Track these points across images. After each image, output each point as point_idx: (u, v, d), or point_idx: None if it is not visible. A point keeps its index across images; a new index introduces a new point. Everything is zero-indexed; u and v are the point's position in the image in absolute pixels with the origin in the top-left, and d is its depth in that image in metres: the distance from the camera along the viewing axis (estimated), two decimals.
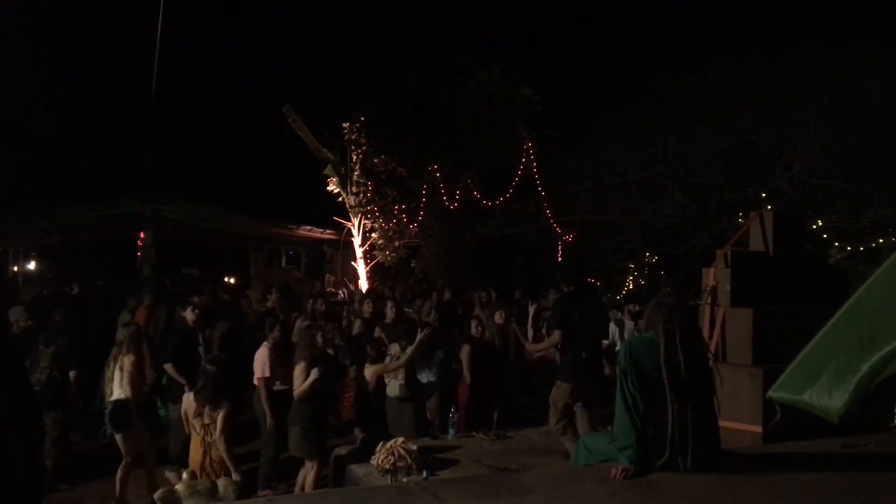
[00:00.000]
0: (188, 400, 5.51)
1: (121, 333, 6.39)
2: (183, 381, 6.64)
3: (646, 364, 3.78)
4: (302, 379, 5.88)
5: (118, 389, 6.09)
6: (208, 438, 5.31)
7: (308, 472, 5.87)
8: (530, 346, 7.77)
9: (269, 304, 9.71)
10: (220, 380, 5.42)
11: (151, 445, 6.48)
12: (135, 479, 6.23)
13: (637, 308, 8.54)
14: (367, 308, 8.91)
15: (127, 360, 6.12)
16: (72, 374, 6.65)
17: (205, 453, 5.30)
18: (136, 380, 6.13)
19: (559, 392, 5.77)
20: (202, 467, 5.28)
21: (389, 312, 8.20)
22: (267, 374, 6.53)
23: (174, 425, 6.82)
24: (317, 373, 5.86)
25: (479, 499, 3.49)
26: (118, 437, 6.09)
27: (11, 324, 6.55)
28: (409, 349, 6.63)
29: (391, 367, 6.64)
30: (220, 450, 5.28)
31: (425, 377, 7.22)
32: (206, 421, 5.33)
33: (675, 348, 3.77)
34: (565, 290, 6.11)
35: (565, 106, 17.50)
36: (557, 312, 6.02)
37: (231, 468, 5.29)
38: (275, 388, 6.68)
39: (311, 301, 9.50)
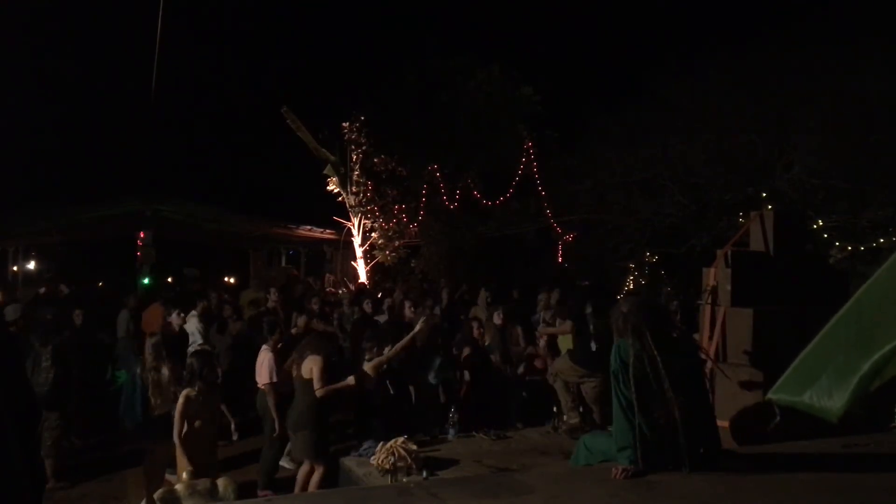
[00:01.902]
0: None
1: (149, 343, 6.35)
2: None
3: (638, 367, 3.79)
4: (319, 376, 5.76)
5: (159, 401, 6.07)
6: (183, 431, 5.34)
7: (314, 475, 5.83)
8: (542, 329, 7.79)
9: (269, 304, 9.70)
10: (200, 368, 5.44)
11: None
12: (134, 479, 6.22)
13: None
14: (366, 308, 8.91)
15: (165, 372, 6.08)
16: (72, 371, 6.63)
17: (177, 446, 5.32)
18: (175, 390, 6.11)
19: (564, 363, 6.13)
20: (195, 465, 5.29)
21: (408, 312, 8.21)
22: (274, 379, 6.50)
23: None
24: (353, 380, 5.92)
25: (479, 499, 3.49)
26: (157, 447, 6.04)
27: (10, 322, 6.54)
28: (402, 342, 6.63)
29: (384, 359, 6.64)
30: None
31: (432, 378, 7.26)
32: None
33: (650, 350, 3.79)
34: (583, 284, 6.30)
35: (565, 106, 17.49)
36: (574, 304, 6.36)
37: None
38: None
39: (312, 300, 9.51)
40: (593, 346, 6.01)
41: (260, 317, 9.08)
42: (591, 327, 6.04)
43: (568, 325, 6.35)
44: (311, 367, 5.81)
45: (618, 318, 4.04)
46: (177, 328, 7.72)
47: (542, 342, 8.05)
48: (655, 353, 3.78)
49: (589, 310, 6.08)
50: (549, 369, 6.35)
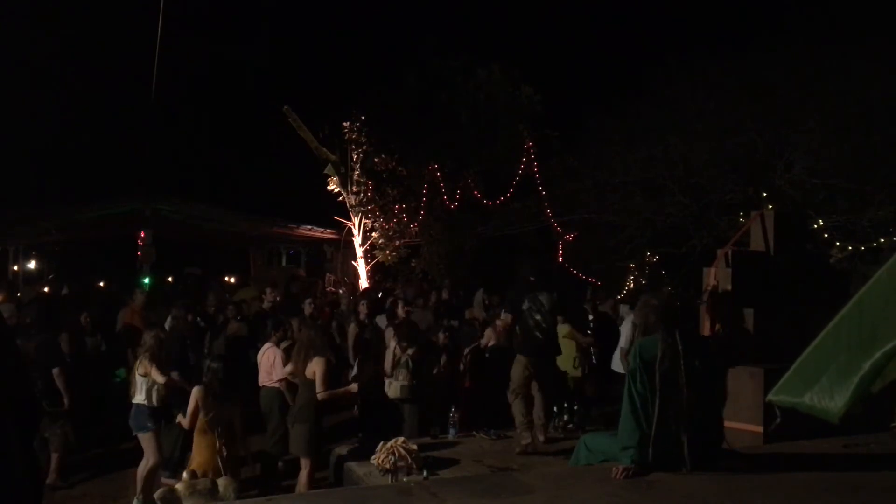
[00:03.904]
0: (198, 393, 5.50)
1: (146, 338, 6.36)
2: (187, 387, 6.61)
3: (660, 366, 3.75)
4: (322, 377, 5.83)
5: (139, 392, 6.11)
6: (219, 430, 5.29)
7: (303, 470, 5.85)
8: (489, 332, 7.85)
9: (264, 304, 9.67)
10: (227, 376, 5.43)
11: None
12: (132, 478, 6.21)
13: None
14: (362, 309, 8.89)
15: (145, 364, 6.12)
16: (55, 370, 6.58)
17: (217, 451, 5.27)
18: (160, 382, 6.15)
19: (516, 365, 6.28)
20: (215, 466, 5.24)
21: (401, 312, 8.21)
22: (289, 371, 6.48)
23: (172, 430, 6.80)
24: (356, 388, 6.11)
25: (479, 499, 3.49)
26: (142, 437, 6.09)
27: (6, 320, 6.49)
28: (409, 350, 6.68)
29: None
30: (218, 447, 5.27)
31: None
32: (224, 417, 5.33)
33: (676, 347, 3.76)
34: (527, 280, 6.53)
35: (565, 106, 17.48)
36: (513, 299, 6.50)
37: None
38: (270, 385, 6.70)
39: (307, 301, 9.48)
40: (539, 336, 6.22)
41: (258, 317, 9.08)
42: (536, 319, 6.20)
43: (508, 317, 6.48)
44: (314, 369, 5.84)
45: (648, 313, 3.99)
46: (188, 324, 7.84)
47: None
48: (680, 349, 3.74)
49: (526, 305, 6.22)
50: (509, 387, 6.30)
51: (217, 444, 5.27)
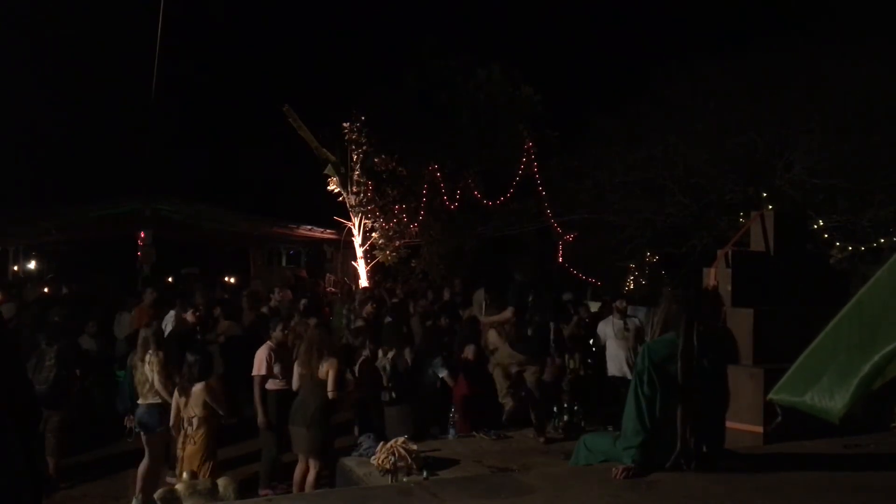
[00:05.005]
0: (177, 396, 5.53)
1: (143, 334, 6.34)
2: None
3: (670, 367, 3.72)
4: (335, 378, 5.90)
5: (151, 391, 6.07)
6: (189, 430, 5.31)
7: (310, 471, 5.86)
8: (484, 319, 7.81)
9: (271, 303, 9.67)
10: (200, 371, 5.43)
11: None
12: (135, 478, 6.21)
13: (625, 305, 8.54)
14: (369, 309, 8.90)
15: (156, 362, 6.07)
16: (77, 372, 6.63)
17: (181, 446, 5.31)
18: (166, 380, 6.11)
19: (503, 352, 6.45)
20: (180, 461, 5.29)
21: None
22: (263, 371, 6.51)
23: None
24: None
25: (479, 499, 3.49)
26: (145, 437, 6.07)
27: (7, 320, 6.52)
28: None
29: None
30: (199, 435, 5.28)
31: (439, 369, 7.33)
32: (192, 414, 5.34)
33: (694, 346, 3.72)
34: (521, 278, 6.63)
35: (565, 106, 17.49)
36: (514, 294, 6.54)
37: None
38: (274, 386, 6.69)
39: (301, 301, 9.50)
40: (528, 332, 6.30)
41: (263, 316, 9.09)
42: (535, 318, 6.31)
43: (509, 311, 6.48)
44: (327, 369, 5.87)
45: (669, 309, 3.93)
46: (189, 324, 7.83)
47: (491, 335, 7.98)
48: (696, 346, 3.71)
49: (531, 298, 6.31)
50: (490, 360, 6.65)
51: (181, 439, 5.29)
